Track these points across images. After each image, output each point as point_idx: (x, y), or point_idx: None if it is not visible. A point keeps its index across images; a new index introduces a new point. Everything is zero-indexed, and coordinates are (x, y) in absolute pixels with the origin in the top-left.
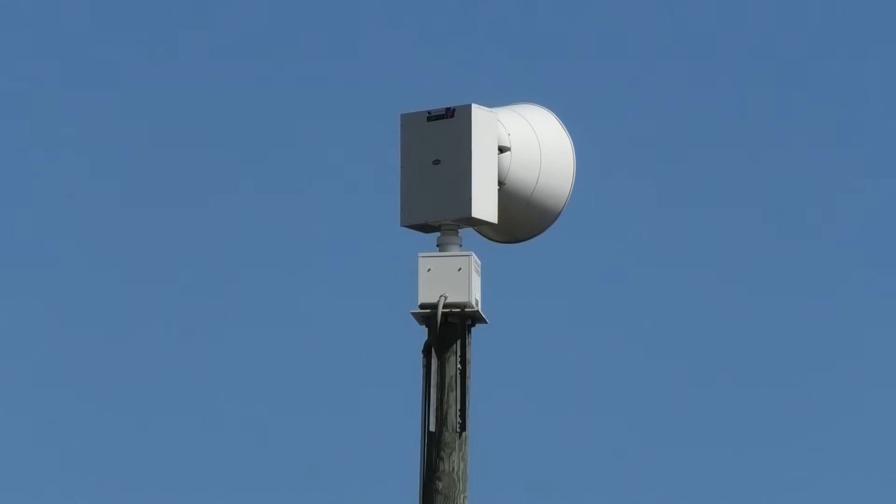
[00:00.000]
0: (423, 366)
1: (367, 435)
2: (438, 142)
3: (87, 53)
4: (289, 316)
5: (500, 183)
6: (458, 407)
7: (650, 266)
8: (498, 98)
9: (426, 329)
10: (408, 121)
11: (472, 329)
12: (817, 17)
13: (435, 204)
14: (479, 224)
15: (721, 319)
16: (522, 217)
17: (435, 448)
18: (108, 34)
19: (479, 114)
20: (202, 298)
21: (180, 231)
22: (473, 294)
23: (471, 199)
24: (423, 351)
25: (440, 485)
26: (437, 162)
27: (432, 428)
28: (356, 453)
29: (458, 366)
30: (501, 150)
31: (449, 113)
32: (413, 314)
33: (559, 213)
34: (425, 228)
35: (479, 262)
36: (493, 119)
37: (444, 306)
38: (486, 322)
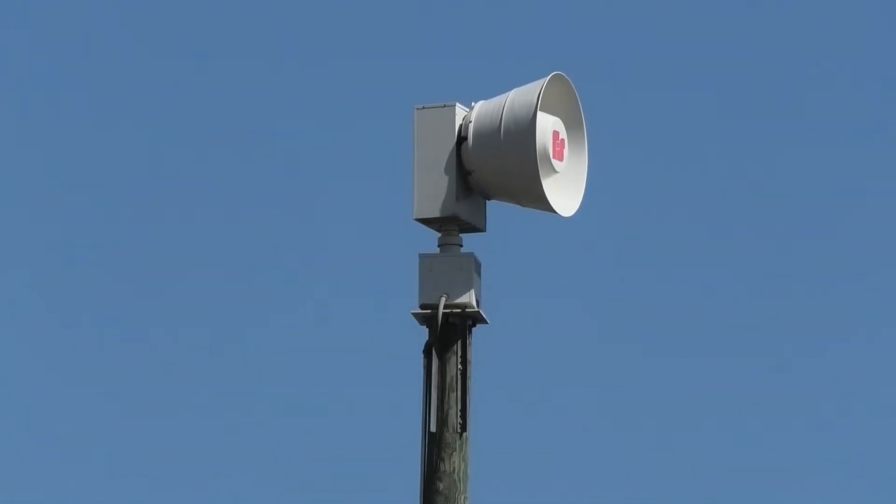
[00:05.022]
0: (424, 366)
1: (367, 435)
2: None
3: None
4: (289, 316)
5: (470, 172)
6: (459, 407)
7: (652, 266)
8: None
9: (427, 329)
10: None
11: (473, 329)
12: None
13: None
14: (438, 223)
15: (722, 323)
16: (517, 186)
17: (435, 448)
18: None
19: (419, 115)
20: (202, 298)
21: (177, 230)
22: (474, 294)
23: (413, 202)
24: (424, 351)
25: (441, 485)
26: None
27: (433, 428)
28: (356, 453)
29: (459, 366)
30: (462, 140)
31: None
32: (414, 314)
33: (535, 161)
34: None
35: (480, 262)
36: (446, 114)
37: (445, 307)
38: (487, 322)
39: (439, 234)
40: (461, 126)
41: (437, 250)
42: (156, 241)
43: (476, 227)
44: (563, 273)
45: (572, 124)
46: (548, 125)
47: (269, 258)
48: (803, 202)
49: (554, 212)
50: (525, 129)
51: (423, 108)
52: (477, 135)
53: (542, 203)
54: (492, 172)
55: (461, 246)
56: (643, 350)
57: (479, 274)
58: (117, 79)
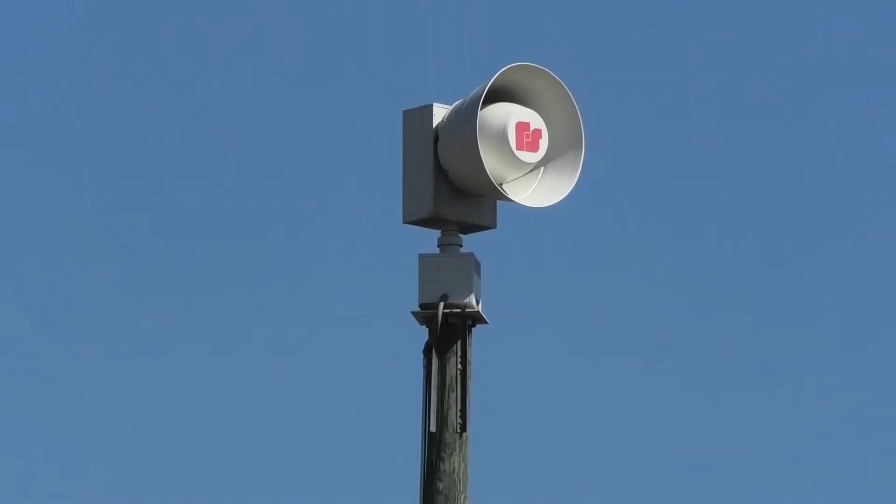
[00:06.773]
0: (424, 366)
1: (367, 435)
2: None
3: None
4: (288, 316)
5: (447, 171)
6: (459, 407)
7: (649, 267)
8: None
9: (427, 329)
10: None
11: (473, 329)
12: None
13: None
14: (432, 223)
15: (721, 325)
16: (473, 175)
17: (435, 448)
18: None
19: (406, 117)
20: (200, 301)
21: (175, 232)
22: (474, 294)
23: (402, 205)
24: (424, 351)
25: (440, 485)
26: None
27: (433, 428)
28: (356, 453)
29: (459, 366)
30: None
31: None
32: (413, 314)
33: (476, 141)
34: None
35: (480, 263)
36: (424, 115)
37: (445, 307)
38: (487, 322)
39: (439, 234)
40: (438, 126)
41: (437, 250)
42: (153, 245)
43: (478, 226)
44: (565, 273)
45: (570, 123)
46: (510, 113)
47: (268, 257)
48: (807, 206)
49: (512, 201)
50: (470, 112)
51: (409, 110)
52: (443, 131)
53: (494, 191)
54: (458, 167)
55: (461, 246)
56: (642, 350)
57: (478, 274)
58: (104, 80)
